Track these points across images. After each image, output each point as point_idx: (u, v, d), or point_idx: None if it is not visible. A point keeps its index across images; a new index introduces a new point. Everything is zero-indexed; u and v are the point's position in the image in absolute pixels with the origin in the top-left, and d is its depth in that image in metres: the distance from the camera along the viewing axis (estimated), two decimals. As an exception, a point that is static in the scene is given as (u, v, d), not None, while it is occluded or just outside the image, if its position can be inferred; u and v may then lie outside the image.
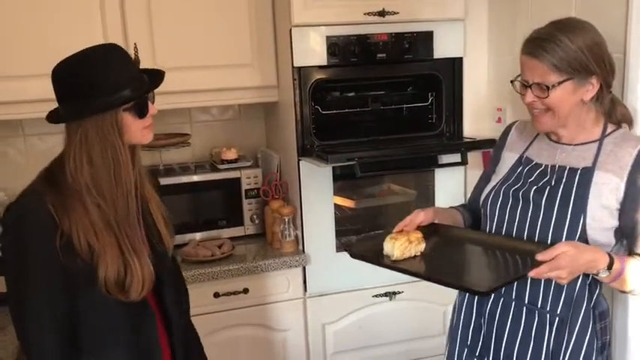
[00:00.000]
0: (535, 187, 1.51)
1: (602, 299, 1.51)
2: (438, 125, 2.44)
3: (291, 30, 2.16)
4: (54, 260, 1.27)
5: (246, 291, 2.26)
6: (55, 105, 1.38)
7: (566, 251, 1.32)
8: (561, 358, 1.46)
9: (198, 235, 2.45)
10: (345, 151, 2.18)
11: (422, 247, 1.53)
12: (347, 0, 2.18)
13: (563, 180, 1.47)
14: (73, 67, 1.31)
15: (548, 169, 1.52)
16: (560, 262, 1.31)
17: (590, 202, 1.42)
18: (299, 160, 2.25)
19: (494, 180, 1.63)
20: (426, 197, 2.50)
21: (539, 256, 1.33)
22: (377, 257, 1.53)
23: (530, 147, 1.61)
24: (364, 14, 2.19)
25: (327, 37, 2.19)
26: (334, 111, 2.38)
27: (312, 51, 2.19)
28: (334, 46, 2.20)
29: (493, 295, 1.55)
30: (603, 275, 1.38)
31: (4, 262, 1.33)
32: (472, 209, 1.75)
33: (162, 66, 2.18)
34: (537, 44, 1.41)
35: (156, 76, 1.39)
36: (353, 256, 1.56)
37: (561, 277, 1.33)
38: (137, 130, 1.35)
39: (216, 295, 2.23)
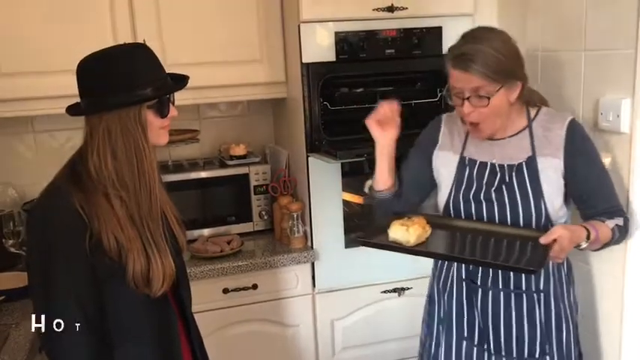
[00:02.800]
0: (492, 188, 1.61)
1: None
2: (446, 121, 2.43)
3: (299, 26, 2.16)
4: (83, 261, 1.27)
5: (255, 287, 2.27)
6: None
7: (562, 234, 1.46)
8: (554, 324, 1.62)
9: (206, 231, 2.45)
10: (354, 147, 2.17)
11: (429, 231, 1.58)
12: (356, -5, 2.18)
13: (514, 174, 1.59)
14: (98, 62, 1.31)
15: (497, 167, 1.62)
16: (563, 243, 1.45)
17: (544, 187, 1.57)
18: (308, 156, 2.25)
19: (445, 188, 1.69)
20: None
21: (543, 239, 1.46)
22: (393, 245, 1.56)
23: (466, 147, 1.68)
24: (373, 10, 2.19)
25: (336, 33, 2.18)
26: (343, 107, 2.37)
27: (320, 47, 2.19)
28: (343, 41, 2.19)
29: (481, 289, 1.64)
30: (584, 246, 1.52)
31: (30, 265, 1.33)
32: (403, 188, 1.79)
33: (171, 62, 2.21)
34: (463, 58, 1.50)
35: (180, 80, 1.40)
36: (372, 245, 1.61)
37: (560, 258, 1.49)
38: (156, 128, 1.35)
39: (225, 290, 2.24)
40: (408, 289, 2.42)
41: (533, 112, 1.64)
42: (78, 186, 1.30)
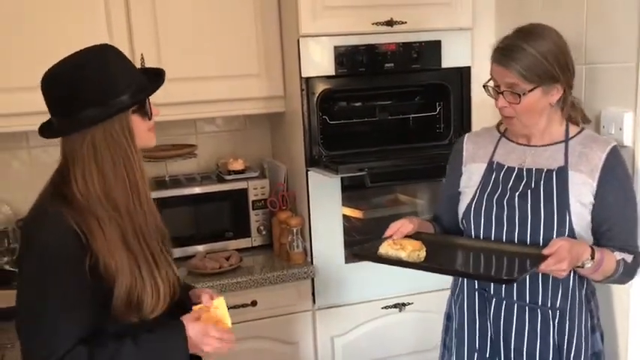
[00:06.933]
0: (517, 192, 1.58)
1: (591, 281, 1.62)
2: (446, 135, 2.43)
3: (298, 40, 2.15)
4: (84, 287, 1.20)
5: (254, 303, 2.23)
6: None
7: (562, 244, 1.42)
8: (566, 346, 1.55)
9: (204, 247, 2.42)
10: (353, 161, 2.16)
11: (424, 253, 1.56)
12: (355, 10, 2.17)
13: (542, 181, 1.56)
14: (66, 75, 1.23)
15: (524, 172, 1.59)
16: (562, 253, 1.40)
17: (571, 200, 1.52)
18: (307, 171, 2.24)
19: (469, 192, 1.66)
20: (434, 207, 2.47)
21: (546, 250, 1.42)
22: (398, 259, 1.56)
23: (495, 152, 1.67)
24: (372, 24, 2.19)
25: (335, 47, 2.18)
26: (342, 121, 2.37)
27: (319, 61, 2.18)
28: (342, 56, 2.19)
29: (494, 299, 1.61)
30: (588, 265, 1.47)
31: (23, 300, 1.25)
32: (440, 224, 1.80)
33: (168, 77, 2.16)
34: (504, 53, 1.50)
35: (157, 76, 1.34)
36: (368, 258, 1.60)
37: (562, 269, 1.41)
38: (144, 132, 1.30)
39: (224, 307, 2.20)
40: (409, 304, 2.39)
41: (573, 131, 1.59)
42: (68, 206, 1.22)
